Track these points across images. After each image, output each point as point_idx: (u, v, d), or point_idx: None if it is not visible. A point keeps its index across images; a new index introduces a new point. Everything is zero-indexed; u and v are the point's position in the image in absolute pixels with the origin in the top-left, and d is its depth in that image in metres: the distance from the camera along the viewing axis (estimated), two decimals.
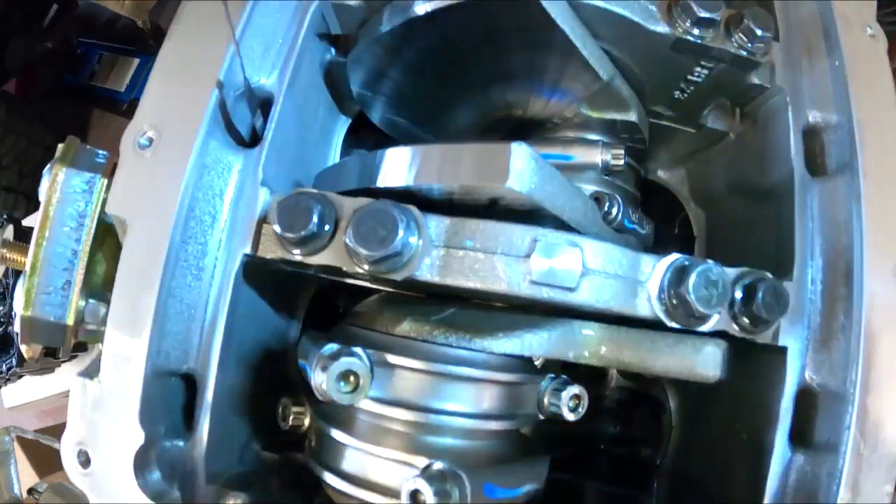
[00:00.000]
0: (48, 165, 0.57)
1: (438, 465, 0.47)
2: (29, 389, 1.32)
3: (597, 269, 0.51)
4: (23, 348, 0.61)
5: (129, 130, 0.55)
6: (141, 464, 0.53)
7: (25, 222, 1.13)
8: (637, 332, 0.55)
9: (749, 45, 0.61)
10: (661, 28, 0.60)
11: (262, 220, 0.56)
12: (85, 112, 1.66)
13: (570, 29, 0.59)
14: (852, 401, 0.55)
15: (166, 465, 0.56)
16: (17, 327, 0.58)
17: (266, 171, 0.58)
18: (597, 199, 0.67)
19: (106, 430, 0.53)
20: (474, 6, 0.59)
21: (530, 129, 0.74)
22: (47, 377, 1.30)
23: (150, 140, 0.55)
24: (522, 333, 0.52)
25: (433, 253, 0.51)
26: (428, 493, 0.45)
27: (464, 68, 0.70)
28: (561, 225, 0.54)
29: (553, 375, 0.57)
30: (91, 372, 0.54)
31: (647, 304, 0.52)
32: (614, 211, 0.66)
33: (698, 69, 0.64)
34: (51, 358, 1.18)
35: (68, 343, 0.59)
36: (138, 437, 0.52)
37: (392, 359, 0.51)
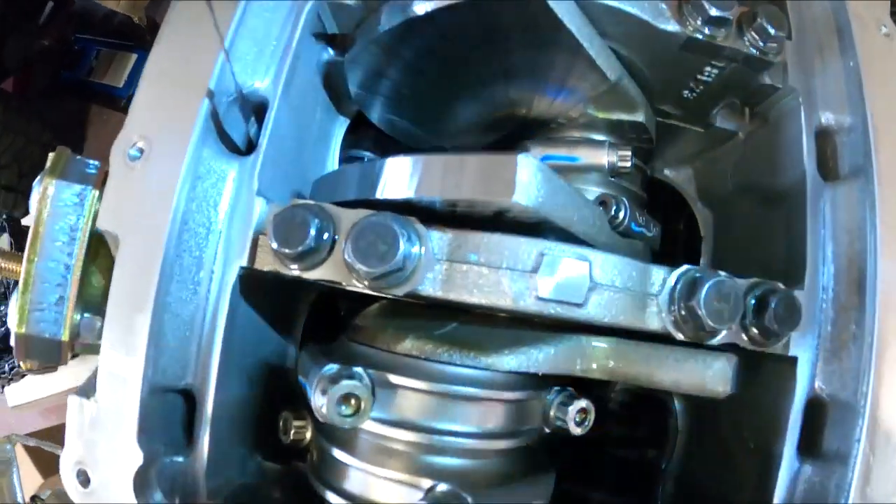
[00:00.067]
0: (38, 177, 0.55)
1: (442, 488, 0.46)
2: (32, 388, 1.32)
3: (605, 282, 0.49)
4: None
5: (118, 142, 0.53)
6: (141, 484, 0.52)
7: (25, 222, 1.12)
8: (646, 346, 0.54)
9: (762, 44, 0.58)
10: (672, 27, 0.58)
11: (259, 231, 0.55)
12: (83, 108, 1.64)
13: (576, 28, 0.57)
14: (863, 413, 0.54)
15: (166, 481, 0.55)
16: (12, 343, 0.57)
17: (262, 179, 0.56)
18: (603, 202, 0.65)
19: (104, 450, 0.52)
20: (475, 5, 0.57)
21: (534, 129, 0.71)
22: (50, 376, 1.29)
23: (141, 151, 0.53)
24: (528, 349, 0.51)
25: (436, 267, 0.49)
26: None
27: (465, 68, 0.67)
28: (568, 235, 0.52)
29: (559, 388, 0.56)
30: (87, 391, 0.53)
31: (657, 318, 0.51)
32: (621, 215, 0.65)
33: (709, 69, 0.62)
34: None
35: (65, 359, 0.57)
36: (137, 458, 0.51)
37: (394, 379, 0.50)
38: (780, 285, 0.53)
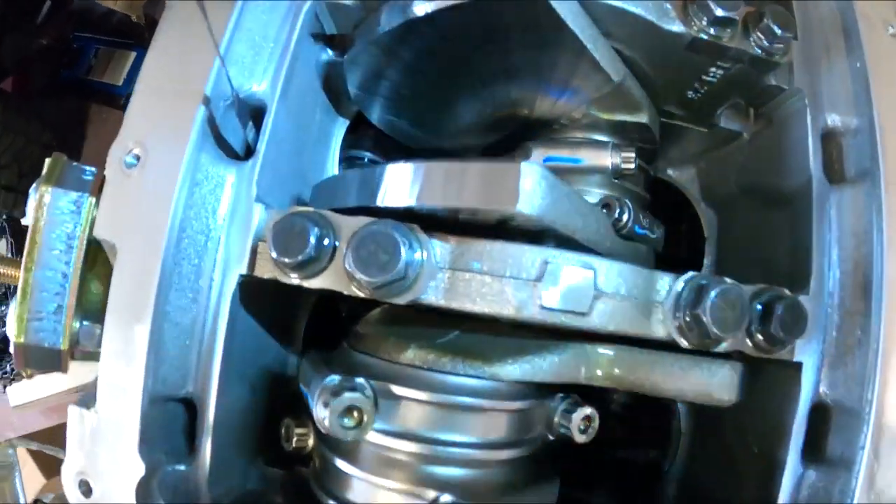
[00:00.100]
0: (34, 184, 0.54)
1: (446, 499, 0.46)
2: (33, 388, 1.31)
3: (610, 291, 0.49)
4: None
5: (114, 148, 0.52)
6: (143, 493, 0.52)
7: (25, 222, 1.11)
8: (650, 354, 0.53)
9: (768, 45, 0.57)
10: (677, 27, 0.57)
11: (258, 238, 0.54)
12: (82, 107, 1.63)
13: (580, 30, 0.56)
14: (867, 420, 0.53)
15: (169, 489, 0.54)
16: (11, 351, 0.56)
17: (260, 184, 0.55)
18: (607, 205, 0.65)
19: (106, 460, 0.52)
20: (476, 6, 0.56)
21: (536, 130, 0.70)
22: (51, 375, 1.29)
23: (137, 158, 0.53)
24: (532, 358, 0.51)
25: (438, 276, 0.49)
26: None
27: (465, 67, 0.66)
28: (571, 241, 0.51)
29: (562, 395, 0.56)
30: (88, 402, 0.52)
31: (662, 326, 0.50)
32: (624, 218, 0.64)
33: (713, 69, 0.61)
34: None
35: (64, 367, 0.57)
36: (139, 469, 0.51)
37: (397, 390, 0.49)
38: (787, 291, 0.53)
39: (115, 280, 0.51)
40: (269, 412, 0.63)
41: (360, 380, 0.47)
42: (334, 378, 0.46)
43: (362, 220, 0.49)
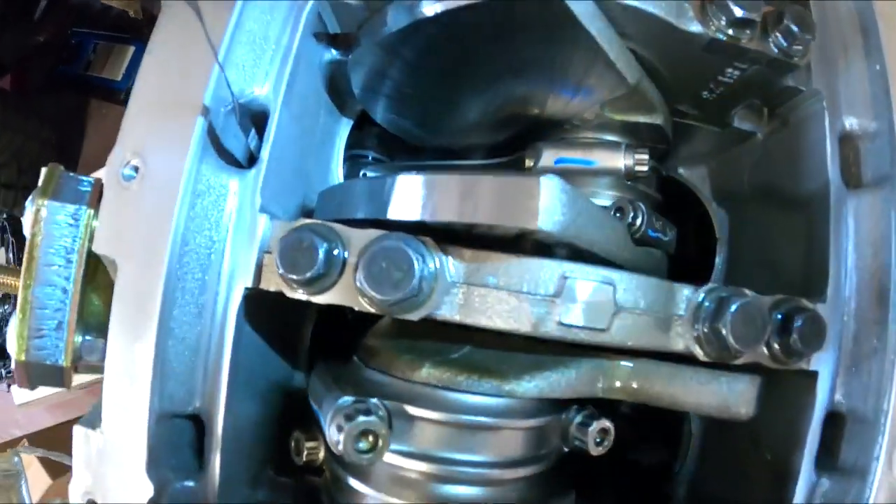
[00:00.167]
0: (30, 196, 0.52)
1: None
2: None
3: (629, 305, 0.48)
4: None
5: (111, 161, 0.50)
6: None
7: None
8: (668, 367, 0.53)
9: (787, 46, 0.55)
10: (695, 27, 0.55)
11: (264, 250, 0.52)
12: (82, 103, 1.61)
13: (596, 30, 0.54)
14: (882, 431, 0.53)
15: None
16: (12, 368, 0.55)
17: (264, 193, 0.53)
18: (620, 208, 0.63)
19: (113, 480, 0.51)
20: (489, 6, 0.54)
21: (546, 130, 0.68)
22: None
23: (136, 169, 0.50)
24: (549, 374, 0.50)
25: (452, 291, 0.47)
26: None
27: (474, 66, 0.64)
28: (588, 252, 0.50)
29: (578, 407, 0.55)
30: (93, 421, 0.51)
31: (681, 339, 0.49)
32: (638, 221, 0.62)
33: (730, 70, 0.59)
34: None
35: (68, 383, 0.56)
36: (147, 489, 0.50)
37: (412, 410, 0.48)
38: (805, 302, 0.52)
39: (116, 298, 0.49)
40: (277, 423, 0.62)
41: (374, 401, 0.46)
42: (347, 399, 0.45)
43: (373, 234, 0.47)
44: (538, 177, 0.43)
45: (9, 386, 1.32)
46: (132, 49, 1.61)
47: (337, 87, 0.66)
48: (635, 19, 0.55)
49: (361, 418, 0.44)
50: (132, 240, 0.50)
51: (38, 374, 0.53)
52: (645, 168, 0.64)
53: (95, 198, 0.53)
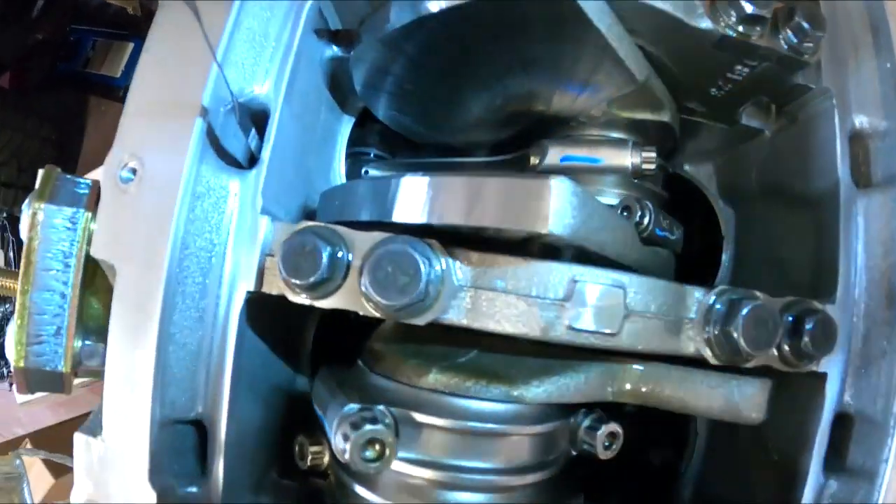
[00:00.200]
0: (27, 200, 0.50)
1: None
2: None
3: (640, 309, 0.47)
4: None
5: (108, 163, 0.48)
6: None
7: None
8: (678, 371, 0.52)
9: (798, 43, 0.54)
10: (705, 24, 0.54)
11: (266, 252, 0.51)
12: (81, 100, 1.59)
13: (605, 27, 0.53)
14: (891, 433, 0.53)
15: None
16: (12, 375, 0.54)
17: (266, 194, 0.52)
18: (627, 207, 0.62)
19: (116, 488, 0.50)
20: (494, 2, 0.52)
21: (551, 127, 0.67)
22: None
23: (133, 171, 0.49)
24: (558, 379, 0.49)
25: (460, 294, 0.46)
26: None
27: (478, 62, 0.63)
28: (599, 256, 0.49)
29: (585, 411, 0.54)
30: (94, 429, 0.50)
31: (692, 342, 0.48)
32: (645, 221, 0.61)
33: (740, 67, 0.58)
34: None
35: (68, 388, 0.54)
36: (150, 496, 0.49)
37: (419, 417, 0.47)
38: (816, 304, 0.51)
39: (115, 303, 0.48)
40: (280, 427, 0.61)
41: (381, 408, 0.45)
42: (353, 407, 0.44)
43: (377, 236, 0.46)
44: (548, 178, 0.42)
45: (11, 385, 1.31)
46: (131, 45, 1.60)
47: (338, 85, 0.64)
48: (645, 16, 0.54)
49: (368, 427, 0.43)
50: (131, 243, 0.49)
51: (38, 380, 0.52)
52: (652, 166, 0.63)
53: (93, 200, 0.52)
